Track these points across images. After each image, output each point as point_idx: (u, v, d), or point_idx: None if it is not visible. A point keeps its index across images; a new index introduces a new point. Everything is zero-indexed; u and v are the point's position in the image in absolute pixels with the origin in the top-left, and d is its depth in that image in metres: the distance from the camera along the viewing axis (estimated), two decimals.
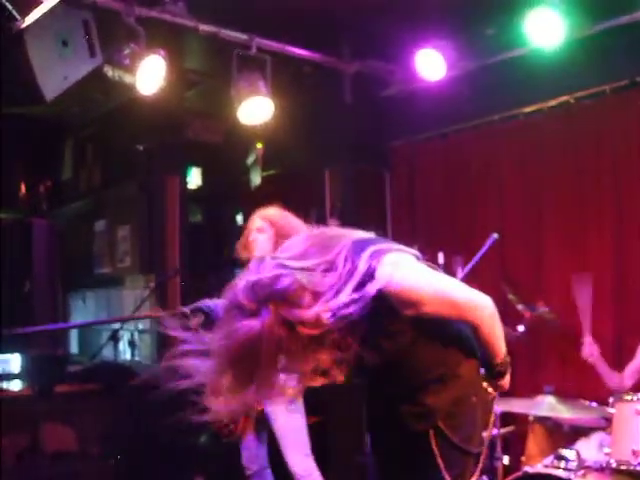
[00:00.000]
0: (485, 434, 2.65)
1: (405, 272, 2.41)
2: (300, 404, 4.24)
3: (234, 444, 6.44)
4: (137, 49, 4.62)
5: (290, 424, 4.31)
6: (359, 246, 2.43)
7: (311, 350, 2.37)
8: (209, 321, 2.85)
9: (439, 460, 2.53)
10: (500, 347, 2.59)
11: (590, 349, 4.51)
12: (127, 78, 4.63)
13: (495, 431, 4.62)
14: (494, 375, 2.62)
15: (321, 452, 5.93)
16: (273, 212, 4.19)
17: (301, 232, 2.60)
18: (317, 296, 2.30)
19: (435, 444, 2.54)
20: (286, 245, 2.48)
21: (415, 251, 2.55)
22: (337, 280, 2.33)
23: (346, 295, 2.30)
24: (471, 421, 2.59)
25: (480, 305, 2.50)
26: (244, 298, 2.29)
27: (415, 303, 2.39)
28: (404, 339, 2.50)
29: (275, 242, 3.98)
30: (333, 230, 2.58)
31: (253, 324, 2.24)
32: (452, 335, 2.59)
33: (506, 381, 2.68)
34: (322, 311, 2.28)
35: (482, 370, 2.63)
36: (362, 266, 2.35)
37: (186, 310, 2.77)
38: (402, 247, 2.53)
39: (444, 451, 2.54)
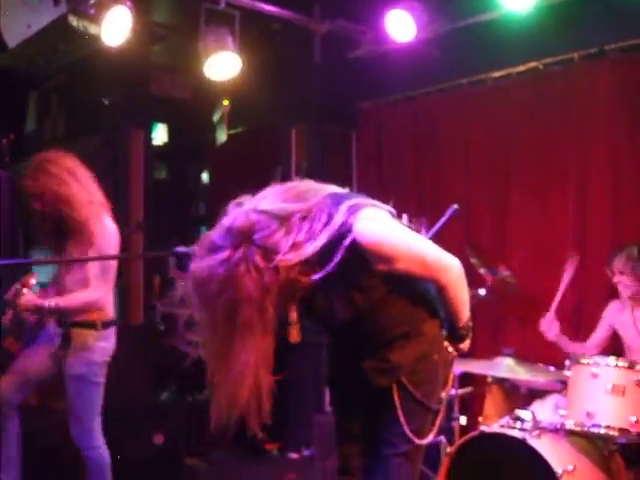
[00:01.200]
0: (444, 393, 2.72)
1: (380, 227, 2.44)
2: None
3: (196, 401, 6.48)
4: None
5: None
6: (336, 199, 2.43)
7: (285, 300, 2.40)
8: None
9: (400, 414, 2.61)
10: (464, 310, 2.68)
11: (550, 325, 4.57)
12: (92, 28, 4.58)
13: (453, 391, 4.68)
14: (456, 337, 2.70)
15: (281, 410, 5.99)
16: None
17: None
18: (294, 243, 2.30)
19: (397, 398, 2.62)
20: (263, 193, 2.48)
21: (390, 208, 2.60)
22: (314, 228, 2.33)
23: (321, 243, 2.31)
24: (432, 378, 2.67)
25: (449, 266, 2.57)
26: (221, 242, 2.28)
27: (389, 259, 2.42)
28: (376, 294, 2.53)
29: None
30: (309, 183, 2.57)
31: (229, 267, 2.22)
32: (419, 294, 2.64)
33: (466, 344, 2.76)
34: (297, 257, 2.28)
35: (444, 330, 2.70)
36: (339, 218, 2.36)
37: (181, 251, 2.70)
38: (378, 203, 2.55)
39: (406, 406, 2.62)
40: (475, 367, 4.45)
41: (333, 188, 2.55)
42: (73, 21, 4.52)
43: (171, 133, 7.42)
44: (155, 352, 6.29)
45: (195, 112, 7.07)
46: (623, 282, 4.33)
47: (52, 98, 7.66)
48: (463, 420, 4.59)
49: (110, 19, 4.64)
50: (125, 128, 6.16)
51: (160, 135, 7.39)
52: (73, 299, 3.89)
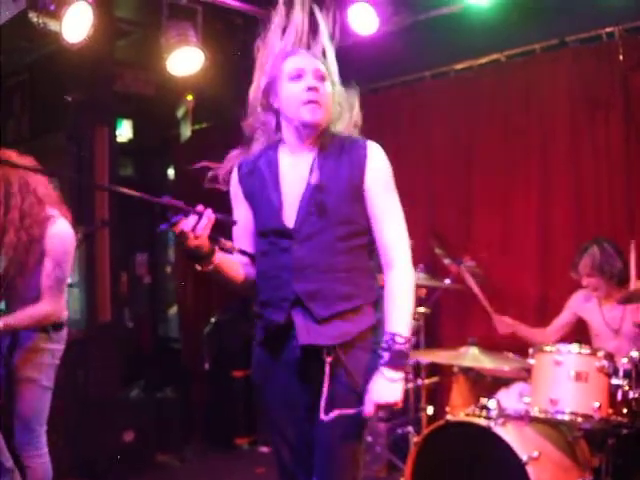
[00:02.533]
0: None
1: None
2: None
3: (166, 398, 6.47)
4: None
5: None
6: None
7: None
8: None
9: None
10: (407, 318, 2.59)
11: (502, 326, 4.63)
12: (53, 25, 4.52)
13: (420, 382, 4.73)
14: (392, 357, 2.53)
15: (250, 404, 6.00)
16: None
17: None
18: None
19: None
20: None
21: None
22: None
23: None
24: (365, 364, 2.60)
25: (409, 256, 2.65)
26: None
27: (386, 186, 2.75)
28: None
29: None
30: None
31: None
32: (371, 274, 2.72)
33: (398, 387, 2.55)
34: None
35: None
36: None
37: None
38: None
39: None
40: (441, 357, 4.49)
41: None
42: (33, 17, 4.47)
43: (136, 129, 7.39)
44: (124, 349, 6.28)
45: (160, 108, 7.05)
46: (593, 284, 4.38)
47: (15, 96, 7.59)
48: (430, 410, 4.64)
49: (71, 15, 4.59)
50: (89, 125, 6.11)
51: (125, 131, 7.35)
52: (25, 317, 3.72)
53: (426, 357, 4.61)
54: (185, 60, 5.09)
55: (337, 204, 2.59)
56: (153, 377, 6.78)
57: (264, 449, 5.90)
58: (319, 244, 2.58)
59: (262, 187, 2.73)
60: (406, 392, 4.85)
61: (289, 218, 2.62)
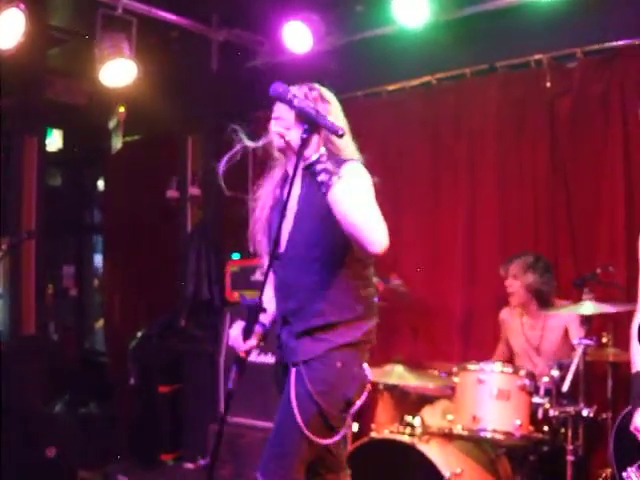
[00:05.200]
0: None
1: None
2: None
3: (90, 413, 6.37)
4: None
5: None
6: None
7: None
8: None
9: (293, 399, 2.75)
10: None
11: None
12: None
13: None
14: None
15: (177, 420, 5.95)
16: None
17: None
18: None
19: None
20: None
21: None
22: None
23: None
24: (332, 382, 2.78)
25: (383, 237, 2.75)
26: None
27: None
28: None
29: None
30: None
31: None
32: (353, 286, 2.91)
33: None
34: None
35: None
36: None
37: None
38: None
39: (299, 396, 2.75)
40: None
41: None
42: None
43: (66, 139, 7.29)
44: (48, 362, 6.16)
45: (91, 118, 6.97)
46: (514, 288, 4.46)
47: None
48: (355, 427, 4.65)
49: (2, 21, 4.54)
50: (18, 133, 6.02)
51: (55, 141, 7.25)
52: None
53: None
54: (118, 71, 5.07)
55: (310, 227, 2.81)
56: (78, 391, 6.68)
57: (189, 465, 5.83)
58: (297, 266, 2.82)
59: (273, 213, 3.02)
60: None
61: (283, 244, 2.85)
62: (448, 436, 3.92)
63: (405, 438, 3.82)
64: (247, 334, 2.79)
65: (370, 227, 2.65)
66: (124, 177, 7.11)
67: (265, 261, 2.92)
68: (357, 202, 2.68)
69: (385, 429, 4.12)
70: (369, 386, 2.90)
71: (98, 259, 8.18)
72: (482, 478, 3.91)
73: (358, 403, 2.84)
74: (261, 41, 5.87)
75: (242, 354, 2.81)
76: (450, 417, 3.92)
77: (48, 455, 5.33)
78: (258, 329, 2.87)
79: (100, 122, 6.90)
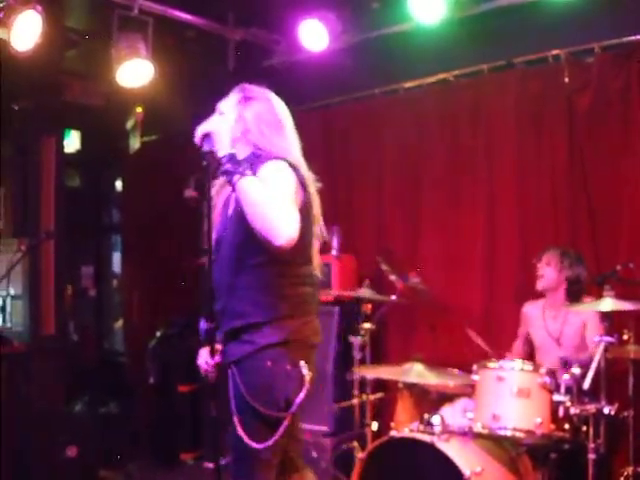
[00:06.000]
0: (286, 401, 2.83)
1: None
2: None
3: (110, 413, 6.40)
4: (12, 3, 4.46)
5: None
6: None
7: None
8: None
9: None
10: None
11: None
12: (1, 33, 4.47)
13: (365, 397, 4.74)
14: None
15: (196, 419, 5.95)
16: None
17: None
18: None
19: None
20: None
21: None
22: None
23: None
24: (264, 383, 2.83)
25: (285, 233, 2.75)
26: None
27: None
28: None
29: None
30: None
31: None
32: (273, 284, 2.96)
33: None
34: None
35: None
36: None
37: None
38: None
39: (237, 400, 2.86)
40: (386, 373, 4.50)
41: None
42: None
43: (84, 140, 7.31)
44: (68, 362, 6.19)
45: (109, 119, 6.99)
46: (546, 274, 4.46)
47: None
48: (375, 426, 4.64)
49: (20, 24, 4.55)
50: (37, 135, 6.06)
51: (73, 142, 7.27)
52: None
53: (371, 373, 4.62)
54: (135, 72, 5.07)
55: (233, 229, 2.87)
56: (97, 391, 6.70)
57: (209, 464, 5.84)
58: (222, 266, 2.86)
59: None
60: (351, 408, 4.88)
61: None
62: (468, 434, 3.89)
63: (425, 437, 3.79)
64: (211, 353, 2.87)
65: (273, 220, 2.65)
66: (142, 177, 7.12)
67: None
68: (261, 197, 2.69)
69: (405, 428, 4.10)
70: (308, 384, 2.85)
71: (117, 259, 8.20)
72: (503, 477, 3.88)
73: (297, 401, 2.83)
74: (277, 40, 5.86)
75: (210, 372, 2.95)
76: (470, 415, 3.89)
77: (69, 454, 5.37)
78: (219, 347, 2.94)
79: (117, 123, 6.94)
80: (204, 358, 3.00)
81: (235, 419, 2.81)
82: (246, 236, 2.77)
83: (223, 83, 6.11)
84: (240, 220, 2.77)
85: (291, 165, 2.90)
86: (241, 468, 2.87)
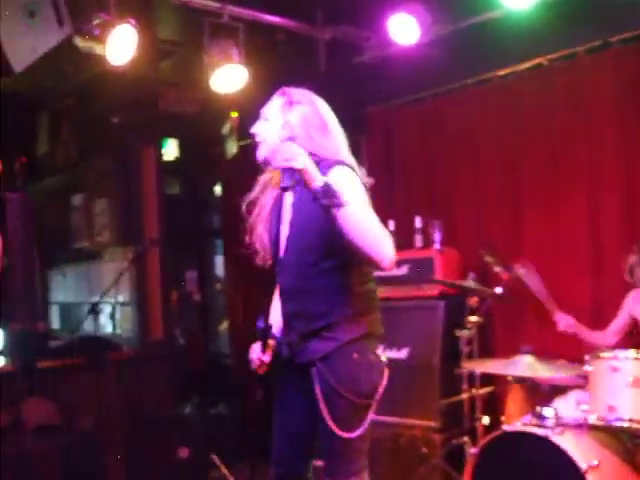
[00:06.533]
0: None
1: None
2: None
3: (219, 414, 6.49)
4: (108, 19, 4.57)
5: None
6: None
7: None
8: None
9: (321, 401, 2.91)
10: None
11: (564, 323, 4.56)
12: (98, 49, 4.59)
13: (474, 391, 4.68)
14: None
15: None
16: None
17: None
18: None
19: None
20: None
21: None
22: None
23: None
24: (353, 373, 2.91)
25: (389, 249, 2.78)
26: None
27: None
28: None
29: None
30: None
31: None
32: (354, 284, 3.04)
33: None
34: None
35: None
36: None
37: None
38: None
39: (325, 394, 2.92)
40: (494, 367, 4.44)
41: None
42: (79, 43, 4.54)
43: (182, 148, 7.45)
44: (176, 366, 6.33)
45: (204, 125, 7.10)
46: None
47: (62, 121, 7.73)
48: (486, 420, 4.58)
49: (115, 38, 4.66)
50: (135, 146, 6.21)
51: (171, 150, 7.42)
52: None
53: (480, 367, 4.56)
54: (229, 77, 5.13)
55: (305, 234, 2.93)
56: (206, 394, 6.82)
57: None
58: (295, 271, 2.95)
59: (273, 220, 3.13)
60: (460, 402, 4.83)
61: (282, 249, 3.01)
62: (583, 427, 3.80)
63: (539, 430, 3.72)
64: (263, 349, 3.07)
65: (380, 245, 2.68)
66: (240, 181, 7.17)
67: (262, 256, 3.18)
68: (367, 224, 2.70)
69: (517, 421, 4.03)
70: (387, 371, 2.99)
71: (219, 263, 8.33)
72: (620, 469, 3.77)
73: (380, 390, 2.95)
74: (367, 36, 5.85)
75: (260, 367, 3.11)
76: (584, 407, 3.80)
77: (181, 456, 5.48)
78: (273, 343, 3.09)
79: (213, 129, 7.04)
80: (256, 353, 3.10)
81: (325, 414, 2.87)
82: (320, 241, 2.88)
83: (315, 83, 6.20)
84: (313, 226, 2.87)
85: (352, 168, 2.93)
86: (338, 463, 2.94)
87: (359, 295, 2.97)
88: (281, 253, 3.00)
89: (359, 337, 2.92)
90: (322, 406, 2.87)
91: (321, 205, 2.63)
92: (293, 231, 2.98)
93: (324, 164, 2.84)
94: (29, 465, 4.72)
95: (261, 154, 3.03)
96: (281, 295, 3.10)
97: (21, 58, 3.91)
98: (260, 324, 3.04)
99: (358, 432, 2.89)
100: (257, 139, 3.03)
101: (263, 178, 3.18)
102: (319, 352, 2.91)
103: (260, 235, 3.18)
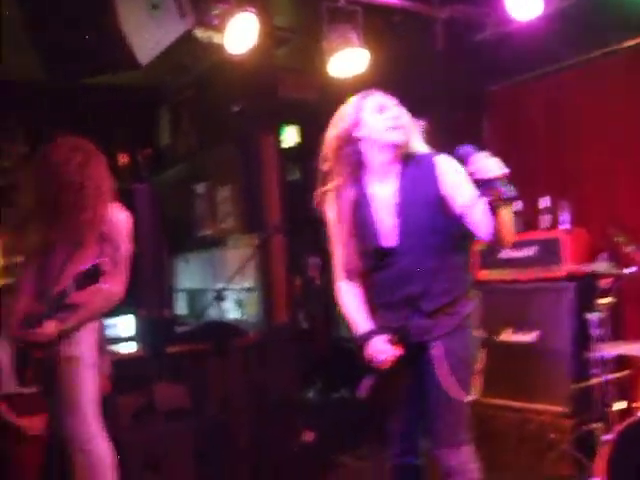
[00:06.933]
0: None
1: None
2: None
3: (343, 398, 6.52)
4: (227, 8, 4.62)
5: None
6: None
7: None
8: None
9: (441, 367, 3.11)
10: None
11: None
12: (217, 39, 4.65)
13: (608, 376, 4.53)
14: None
15: None
16: None
17: None
18: None
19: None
20: None
21: None
22: None
23: None
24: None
25: None
26: None
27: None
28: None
29: None
30: None
31: None
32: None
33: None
34: None
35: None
36: None
37: None
38: None
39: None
40: (629, 349, 4.29)
41: None
42: (198, 33, 4.61)
43: (302, 134, 7.48)
44: (300, 351, 6.38)
45: (325, 111, 7.10)
46: None
47: (183, 112, 7.90)
48: (620, 405, 4.43)
49: (234, 27, 4.71)
50: (256, 133, 6.27)
51: (291, 137, 7.46)
52: (92, 308, 3.71)
53: (612, 350, 4.41)
54: (348, 62, 5.11)
55: (423, 216, 3.11)
56: (329, 378, 6.85)
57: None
58: (417, 253, 3.10)
59: (362, 213, 3.22)
60: (590, 387, 4.68)
61: (391, 237, 3.15)
62: None
63: None
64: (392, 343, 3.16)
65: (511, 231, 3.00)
66: None
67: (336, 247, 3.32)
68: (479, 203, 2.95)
69: None
70: None
71: None
72: None
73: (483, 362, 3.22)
74: (486, 12, 5.71)
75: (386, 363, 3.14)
76: None
77: (307, 440, 5.53)
78: (391, 338, 3.17)
79: (333, 114, 7.04)
80: (388, 351, 3.15)
81: (447, 381, 3.06)
82: (439, 223, 3.11)
83: (434, 63, 6.12)
84: (430, 208, 3.11)
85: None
86: (456, 431, 3.12)
87: (469, 273, 3.28)
88: (391, 242, 3.15)
89: (472, 311, 3.19)
90: (444, 374, 3.06)
91: (490, 201, 2.88)
92: (407, 216, 3.13)
93: (421, 156, 3.24)
94: (162, 447, 4.85)
95: (401, 138, 3.20)
96: (396, 280, 3.17)
97: (146, 51, 3.98)
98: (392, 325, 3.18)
99: (473, 397, 3.13)
100: (398, 122, 3.20)
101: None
102: (446, 327, 3.11)
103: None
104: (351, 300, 3.35)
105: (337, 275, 3.38)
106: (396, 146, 3.19)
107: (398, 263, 3.14)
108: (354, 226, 3.22)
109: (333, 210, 3.34)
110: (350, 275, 3.32)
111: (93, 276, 3.45)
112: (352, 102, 3.39)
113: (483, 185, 2.89)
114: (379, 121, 3.21)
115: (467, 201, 2.99)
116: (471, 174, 2.92)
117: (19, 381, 3.81)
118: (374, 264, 3.21)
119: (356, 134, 3.26)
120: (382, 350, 3.15)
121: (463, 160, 3.00)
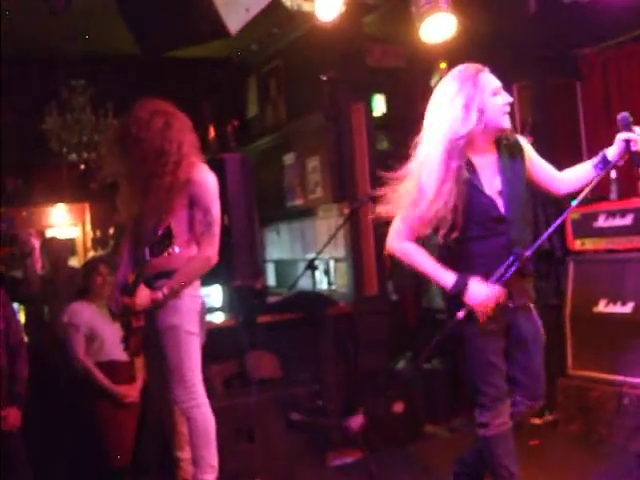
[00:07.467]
0: None
1: None
2: None
3: (433, 369, 6.48)
4: None
5: None
6: None
7: None
8: None
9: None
10: None
11: None
12: (305, 6, 4.61)
13: None
14: None
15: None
16: None
17: None
18: None
19: None
20: None
21: None
22: None
23: None
24: None
25: None
26: None
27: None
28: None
29: None
30: None
31: None
32: None
33: None
34: None
35: None
36: None
37: None
38: None
39: None
40: None
41: None
42: (287, 1, 4.58)
43: (389, 103, 7.40)
44: (390, 321, 6.37)
45: (411, 80, 7.02)
46: None
47: (270, 82, 7.92)
48: None
49: None
50: (345, 102, 6.25)
51: (379, 106, 7.40)
52: (187, 273, 3.70)
53: None
54: (437, 27, 5.00)
55: (521, 188, 3.34)
56: (419, 349, 6.81)
57: (537, 421, 5.72)
58: (521, 223, 3.31)
59: (469, 185, 3.25)
60: None
61: (499, 207, 3.27)
62: None
63: None
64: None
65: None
66: None
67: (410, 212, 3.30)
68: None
69: None
70: None
71: None
72: None
73: None
74: None
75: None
76: None
77: (396, 410, 5.52)
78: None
79: (421, 83, 6.94)
80: (483, 288, 3.19)
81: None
82: (528, 196, 3.41)
83: (525, 27, 5.94)
84: (523, 183, 3.36)
85: None
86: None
87: None
88: (503, 211, 3.28)
89: None
90: (543, 335, 3.46)
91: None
92: (511, 189, 3.29)
93: (508, 136, 3.38)
94: (254, 415, 4.91)
95: (509, 124, 3.33)
96: (505, 248, 3.23)
97: (236, 19, 3.96)
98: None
99: None
100: (507, 109, 3.30)
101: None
102: (532, 292, 3.46)
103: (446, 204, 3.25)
104: (426, 257, 3.31)
105: (399, 237, 3.34)
106: (503, 132, 3.32)
107: (509, 232, 3.26)
108: (459, 197, 3.20)
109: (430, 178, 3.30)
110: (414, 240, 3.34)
111: (163, 242, 3.50)
112: (460, 76, 3.32)
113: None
114: (498, 106, 3.26)
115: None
116: (627, 142, 3.21)
117: (124, 349, 3.90)
118: (483, 233, 3.27)
119: (471, 114, 3.23)
120: (484, 291, 3.15)
121: (622, 127, 3.25)
